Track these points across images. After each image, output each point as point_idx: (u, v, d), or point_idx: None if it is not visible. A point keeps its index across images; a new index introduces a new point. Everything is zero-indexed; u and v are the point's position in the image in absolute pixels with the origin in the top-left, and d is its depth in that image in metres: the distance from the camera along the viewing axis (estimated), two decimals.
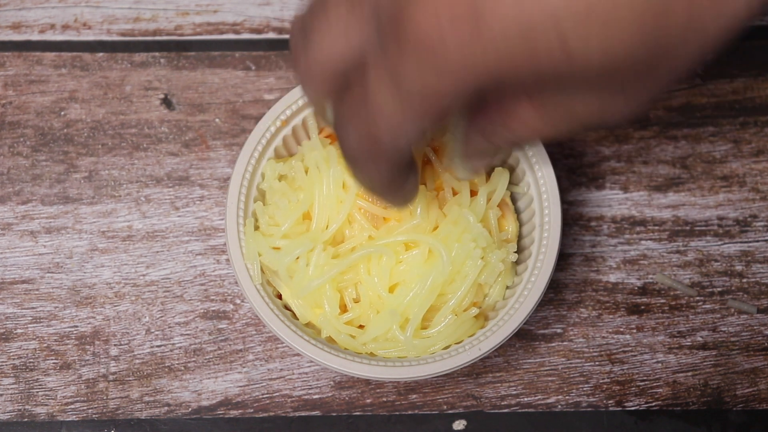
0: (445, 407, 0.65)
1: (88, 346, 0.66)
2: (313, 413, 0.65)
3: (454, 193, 0.61)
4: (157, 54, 0.74)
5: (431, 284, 0.58)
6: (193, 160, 0.71)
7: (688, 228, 0.70)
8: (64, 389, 0.65)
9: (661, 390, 0.66)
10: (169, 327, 0.67)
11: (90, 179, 0.70)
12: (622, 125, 0.70)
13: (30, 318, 0.67)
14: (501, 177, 0.62)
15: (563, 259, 0.69)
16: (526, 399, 0.65)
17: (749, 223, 0.70)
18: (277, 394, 0.65)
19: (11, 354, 0.66)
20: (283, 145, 0.64)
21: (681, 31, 0.38)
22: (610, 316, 0.67)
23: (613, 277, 0.68)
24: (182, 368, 0.66)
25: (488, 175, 0.62)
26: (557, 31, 0.36)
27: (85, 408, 0.65)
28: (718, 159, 0.72)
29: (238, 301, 0.67)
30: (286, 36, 0.75)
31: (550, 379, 0.66)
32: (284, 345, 0.66)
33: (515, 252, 0.61)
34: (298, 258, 0.59)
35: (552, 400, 0.65)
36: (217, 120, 0.72)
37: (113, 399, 0.65)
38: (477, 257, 0.58)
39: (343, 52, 0.44)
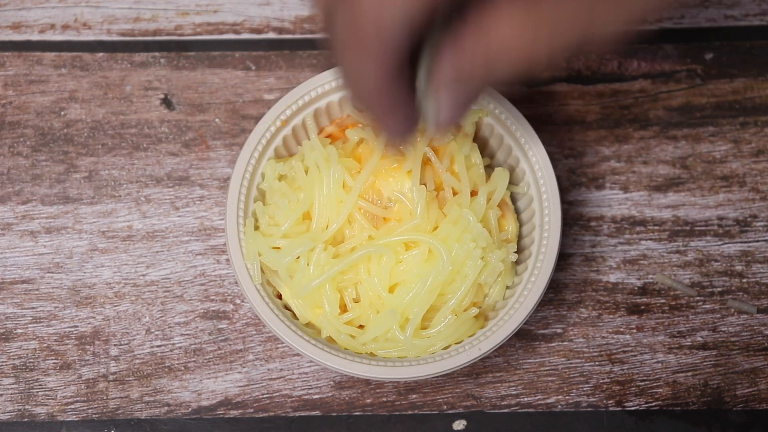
0: (445, 407, 0.65)
1: (88, 346, 0.66)
2: (313, 413, 0.65)
3: (454, 193, 0.61)
4: (157, 54, 0.74)
5: (431, 284, 0.58)
6: (193, 160, 0.71)
7: (688, 228, 0.70)
8: (64, 389, 0.65)
9: (661, 390, 0.66)
10: (169, 327, 0.67)
11: (90, 179, 0.70)
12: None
13: (30, 318, 0.67)
14: (501, 177, 0.62)
15: (563, 259, 0.69)
16: (526, 399, 0.65)
17: (749, 223, 0.70)
18: (277, 394, 0.65)
19: (11, 354, 0.66)
20: (283, 145, 0.64)
21: None
22: (610, 316, 0.67)
23: (613, 277, 0.68)
24: (182, 368, 0.66)
25: (488, 175, 0.63)
26: None
27: (85, 408, 0.65)
28: (718, 159, 0.72)
29: (238, 301, 0.67)
30: (286, 36, 0.75)
31: (550, 379, 0.66)
32: (284, 345, 0.66)
33: (515, 252, 0.61)
34: (298, 258, 0.59)
35: (552, 400, 0.65)
36: (217, 120, 0.72)
37: (113, 399, 0.65)
38: (477, 257, 0.58)
39: None
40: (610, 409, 0.65)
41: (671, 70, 0.74)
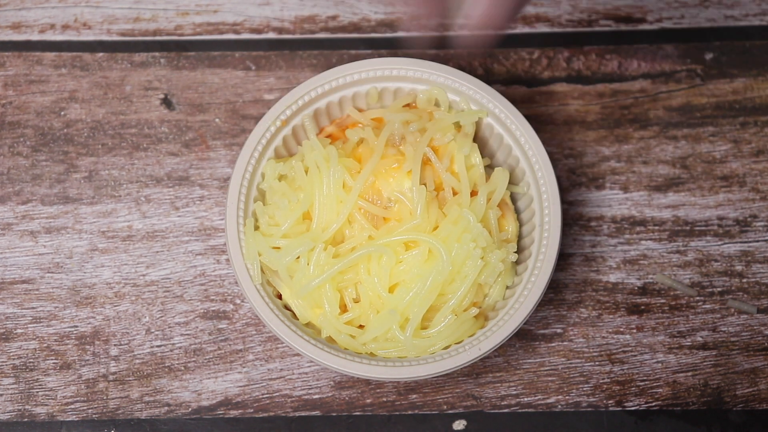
0: (445, 407, 0.65)
1: (88, 346, 0.66)
2: (313, 413, 0.65)
3: (454, 193, 0.61)
4: (157, 54, 0.74)
5: (431, 284, 0.58)
6: (193, 160, 0.71)
7: (688, 228, 0.70)
8: (64, 389, 0.65)
9: (661, 390, 0.66)
10: (169, 327, 0.67)
11: (90, 179, 0.70)
12: None
13: (30, 318, 0.67)
14: (501, 177, 0.62)
15: (563, 259, 0.69)
16: (526, 399, 0.65)
17: (749, 223, 0.70)
18: (277, 394, 0.65)
19: (11, 354, 0.66)
20: (283, 145, 0.64)
21: None
22: (610, 316, 0.67)
23: (613, 277, 0.68)
24: (182, 368, 0.66)
25: (488, 175, 0.63)
26: None
27: (85, 408, 0.65)
28: (718, 159, 0.72)
29: (238, 301, 0.67)
30: (286, 36, 0.75)
31: (550, 379, 0.66)
32: (284, 345, 0.66)
33: (515, 252, 0.61)
34: (298, 258, 0.59)
35: (552, 400, 0.65)
36: (217, 120, 0.72)
37: (113, 399, 0.65)
38: (477, 257, 0.58)
39: None
40: (610, 409, 0.65)
41: (671, 70, 0.74)
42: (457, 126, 0.63)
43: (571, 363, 0.66)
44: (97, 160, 0.71)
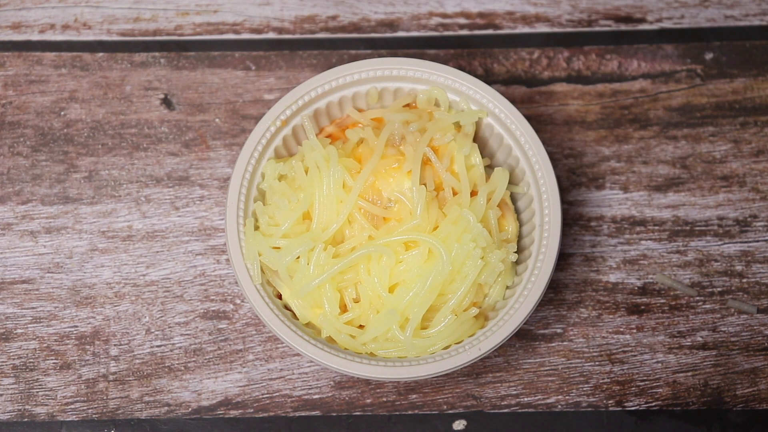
0: (445, 407, 0.65)
1: (88, 346, 0.66)
2: (313, 413, 0.65)
3: (454, 193, 0.61)
4: (157, 54, 0.74)
5: (431, 284, 0.58)
6: (193, 160, 0.71)
7: (688, 228, 0.70)
8: (64, 389, 0.65)
9: (661, 390, 0.66)
10: (169, 327, 0.67)
11: (90, 179, 0.70)
12: None
13: (30, 318, 0.67)
14: (501, 177, 0.62)
15: (563, 259, 0.69)
16: (526, 399, 0.65)
17: (749, 223, 0.70)
18: (277, 394, 0.65)
19: (11, 354, 0.66)
20: (283, 145, 0.64)
21: None
22: (610, 316, 0.67)
23: (613, 277, 0.68)
24: (182, 368, 0.66)
25: (488, 175, 0.63)
26: None
27: (85, 408, 0.65)
28: (718, 159, 0.72)
29: (238, 301, 0.67)
30: (286, 36, 0.75)
31: (550, 379, 0.66)
32: (284, 345, 0.66)
33: (515, 252, 0.61)
34: (298, 258, 0.59)
35: (552, 400, 0.65)
36: (217, 120, 0.72)
37: (113, 399, 0.65)
38: (477, 257, 0.58)
39: None
40: (610, 409, 0.65)
41: (671, 70, 0.74)
42: (457, 126, 0.63)
43: (571, 363, 0.66)
44: (97, 160, 0.71)
